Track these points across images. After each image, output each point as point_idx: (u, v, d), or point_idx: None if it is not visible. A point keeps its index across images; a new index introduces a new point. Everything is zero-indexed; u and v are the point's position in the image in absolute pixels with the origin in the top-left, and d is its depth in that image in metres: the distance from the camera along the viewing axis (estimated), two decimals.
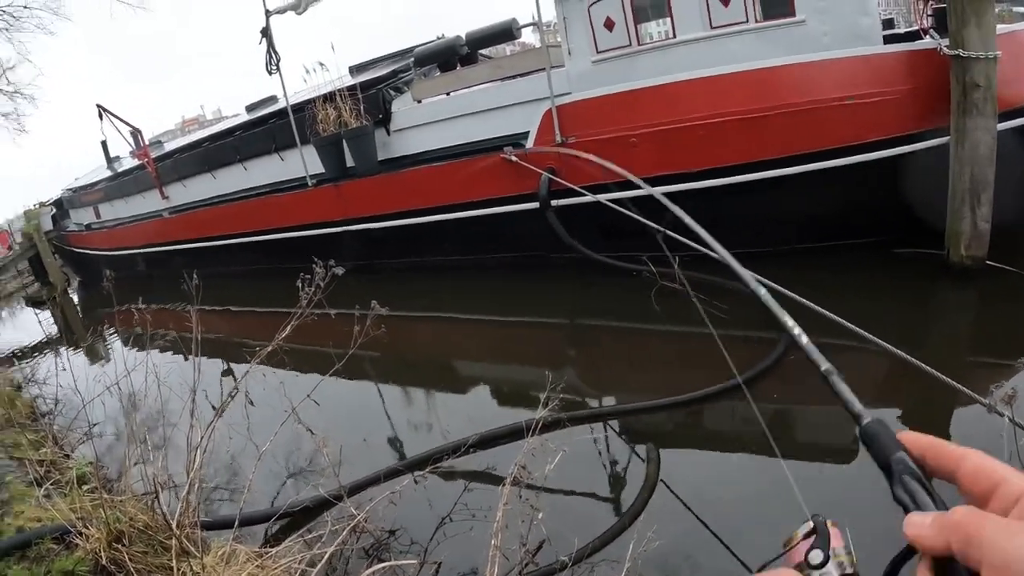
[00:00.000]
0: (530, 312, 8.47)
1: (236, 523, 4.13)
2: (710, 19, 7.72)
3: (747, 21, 7.58)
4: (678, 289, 6.96)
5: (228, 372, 8.16)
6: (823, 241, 7.31)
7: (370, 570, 3.61)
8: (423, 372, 7.63)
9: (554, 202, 8.48)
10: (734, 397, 5.22)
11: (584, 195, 7.85)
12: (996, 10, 6.37)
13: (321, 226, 11.48)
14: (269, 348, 4.11)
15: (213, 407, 4.25)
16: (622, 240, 7.78)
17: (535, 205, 8.57)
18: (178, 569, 3.40)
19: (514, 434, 4.97)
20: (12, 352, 14.21)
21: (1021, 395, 3.73)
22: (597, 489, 4.52)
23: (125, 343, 10.28)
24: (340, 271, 3.88)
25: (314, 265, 3.88)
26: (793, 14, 7.37)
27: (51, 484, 5.19)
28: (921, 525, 0.57)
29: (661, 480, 4.33)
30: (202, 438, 3.90)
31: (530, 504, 3.77)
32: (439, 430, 5.78)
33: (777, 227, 7.52)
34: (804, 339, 1.01)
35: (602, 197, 7.58)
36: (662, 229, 6.30)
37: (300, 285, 3.89)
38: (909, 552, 0.59)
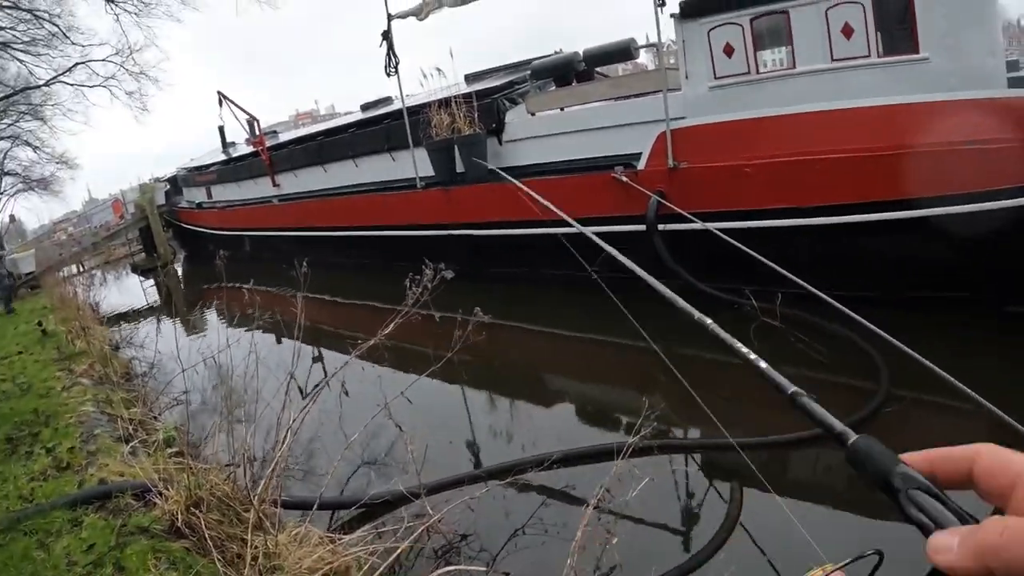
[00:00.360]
0: (626, 334, 8.31)
1: (315, 506, 4.18)
2: (831, 51, 7.52)
3: (869, 56, 7.35)
4: (779, 327, 6.81)
5: (320, 360, 8.31)
6: (932, 291, 6.98)
7: (437, 572, 3.59)
8: (514, 382, 7.61)
9: (661, 226, 8.35)
10: (825, 444, 5.02)
11: (693, 222, 7.70)
12: None
13: (427, 228, 11.62)
14: (372, 342, 4.15)
15: (301, 391, 4.32)
16: (726, 271, 7.61)
17: (642, 227, 8.45)
18: (252, 542, 3.44)
19: (600, 455, 4.89)
20: (115, 314, 14.88)
21: None
22: (673, 522, 4.41)
23: (224, 320, 10.61)
24: (450, 275, 3.89)
25: (424, 266, 3.90)
26: (917, 51, 7.12)
27: (137, 442, 5.36)
28: (948, 549, 0.50)
29: (740, 523, 4.19)
30: (294, 420, 3.96)
31: (606, 528, 3.71)
32: (523, 441, 5.74)
33: (886, 272, 7.22)
34: (763, 364, 0.89)
35: (711, 225, 7.42)
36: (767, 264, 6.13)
37: (408, 284, 3.93)
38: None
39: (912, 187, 6.75)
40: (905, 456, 0.58)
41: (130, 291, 20.12)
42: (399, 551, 3.73)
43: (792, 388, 0.83)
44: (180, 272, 22.61)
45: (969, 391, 4.23)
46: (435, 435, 5.44)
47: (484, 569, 3.90)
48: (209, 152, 23.09)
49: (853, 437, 0.63)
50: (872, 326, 5.17)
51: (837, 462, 4.96)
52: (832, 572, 0.61)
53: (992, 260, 6.65)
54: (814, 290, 5.77)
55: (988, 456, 0.53)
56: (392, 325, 4.03)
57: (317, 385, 4.26)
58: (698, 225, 7.60)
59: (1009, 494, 0.50)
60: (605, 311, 8.99)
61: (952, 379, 4.35)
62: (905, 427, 5.26)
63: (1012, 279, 6.60)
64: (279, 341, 7.90)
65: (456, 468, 4.98)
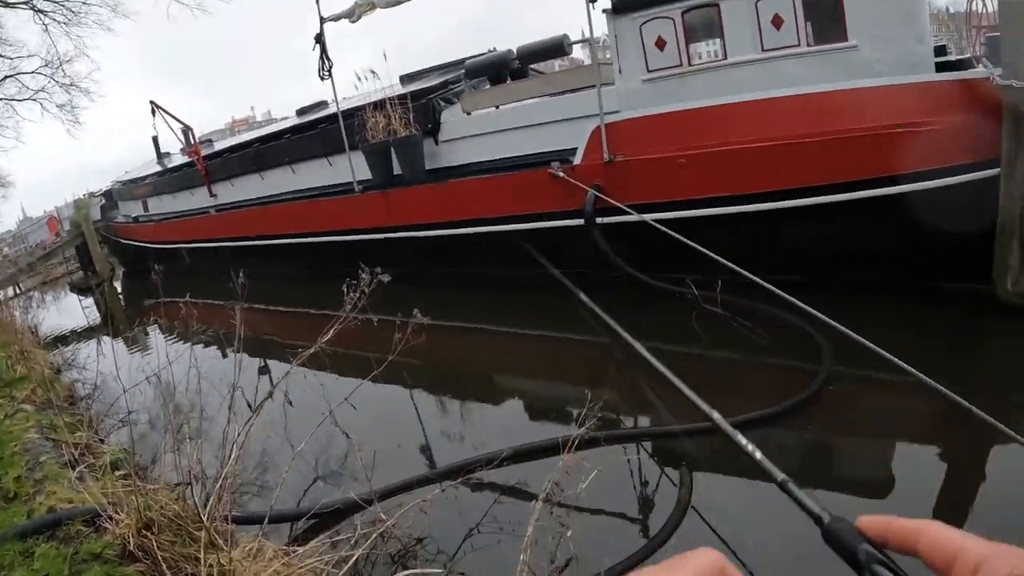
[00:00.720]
0: (571, 329, 8.43)
1: (266, 519, 4.15)
2: (762, 42, 7.69)
3: (799, 45, 7.54)
4: (720, 314, 6.95)
5: (266, 370, 8.22)
6: (869, 271, 7.20)
7: None
8: (460, 382, 7.64)
9: (599, 220, 8.45)
10: (770, 425, 5.17)
11: (630, 214, 7.81)
12: None
13: (366, 232, 11.55)
14: (312, 350, 4.13)
15: (249, 405, 4.29)
16: (666, 261, 7.74)
17: (580, 222, 8.55)
18: (205, 561, 3.42)
19: (549, 450, 4.94)
20: (55, 336, 14.51)
21: None
22: (627, 510, 4.47)
23: (166, 335, 10.43)
24: (386, 278, 3.89)
25: (360, 271, 3.90)
26: (845, 39, 7.33)
27: (84, 467, 5.25)
28: None
29: (692, 506, 4.28)
30: (239, 434, 3.93)
31: (560, 521, 3.75)
32: (473, 441, 5.77)
33: (823, 256, 7.42)
34: (758, 454, 0.96)
35: (648, 217, 7.54)
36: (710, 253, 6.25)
37: (345, 290, 3.92)
38: None
39: (844, 171, 6.95)
40: (863, 519, 0.63)
41: (69, 311, 19.61)
42: (354, 559, 3.72)
43: (781, 475, 0.89)
44: (120, 289, 22.11)
45: (906, 366, 4.38)
46: (383, 440, 5.45)
47: (440, 571, 3.92)
48: (144, 164, 22.59)
49: (827, 519, 0.69)
50: (810, 308, 5.32)
51: (785, 441, 5.11)
52: None
53: (925, 240, 6.88)
54: (752, 276, 5.91)
55: (931, 534, 0.57)
56: (331, 332, 4.02)
57: (261, 399, 4.21)
58: (635, 217, 7.71)
59: (949, 570, 0.54)
60: (547, 307, 9.16)
61: (890, 356, 4.50)
62: (849, 403, 5.44)
63: (945, 257, 6.84)
64: (224, 355, 7.82)
65: (407, 472, 4.98)
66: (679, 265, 7.37)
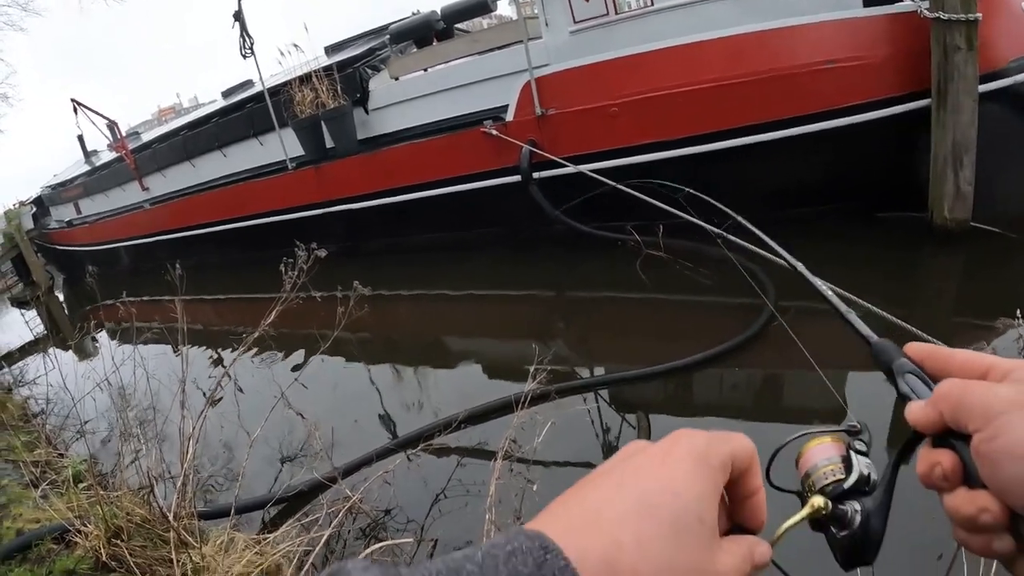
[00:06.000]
0: (517, 286, 8.46)
1: (232, 511, 4.14)
2: None
3: None
4: (663, 258, 7.02)
5: (218, 361, 8.13)
6: (806, 206, 7.30)
7: (367, 550, 3.63)
8: (412, 350, 7.64)
9: (536, 174, 8.45)
10: (721, 364, 5.26)
11: (566, 166, 7.82)
12: None
13: (303, 209, 11.41)
14: (255, 334, 4.09)
15: (205, 395, 4.26)
16: (606, 210, 7.77)
17: (517, 178, 8.54)
18: (178, 560, 3.41)
19: (504, 408, 4.99)
20: (1, 355, 14.15)
21: (1001, 353, 3.75)
22: (591, 459, 4.53)
23: (113, 338, 10.24)
24: (323, 253, 3.86)
25: (296, 248, 3.85)
26: None
27: (47, 484, 5.17)
28: (918, 408, 0.63)
29: None
30: (193, 428, 3.90)
31: (524, 477, 3.80)
32: (430, 407, 5.79)
33: (761, 192, 7.50)
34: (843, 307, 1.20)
35: (584, 167, 7.55)
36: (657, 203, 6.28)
37: (283, 269, 3.88)
38: (915, 438, 0.65)
39: (777, 109, 7.03)
40: (908, 347, 0.70)
41: (12, 326, 19.13)
42: (324, 539, 3.74)
43: (843, 307, 1.20)
44: (62, 297, 21.58)
45: (845, 293, 4.48)
46: (340, 417, 5.44)
47: (412, 540, 3.96)
48: (72, 165, 21.91)
49: (875, 339, 0.79)
50: (748, 244, 5.39)
51: (737, 380, 5.22)
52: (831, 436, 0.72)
53: (860, 172, 7.01)
54: (688, 216, 5.96)
55: (964, 354, 0.64)
56: (273, 313, 3.99)
57: (212, 389, 4.18)
58: (572, 169, 7.72)
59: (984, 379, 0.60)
60: (493, 267, 9.17)
61: (830, 286, 4.60)
62: (797, 334, 5.55)
63: (880, 188, 6.99)
64: (174, 350, 7.71)
65: (368, 446, 4.98)
66: (619, 213, 7.41)
